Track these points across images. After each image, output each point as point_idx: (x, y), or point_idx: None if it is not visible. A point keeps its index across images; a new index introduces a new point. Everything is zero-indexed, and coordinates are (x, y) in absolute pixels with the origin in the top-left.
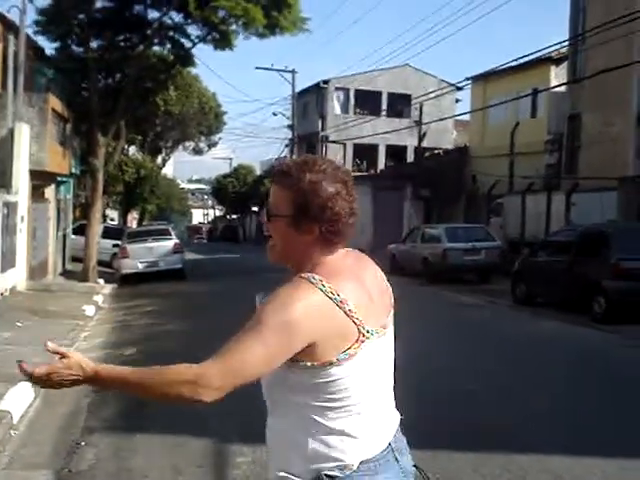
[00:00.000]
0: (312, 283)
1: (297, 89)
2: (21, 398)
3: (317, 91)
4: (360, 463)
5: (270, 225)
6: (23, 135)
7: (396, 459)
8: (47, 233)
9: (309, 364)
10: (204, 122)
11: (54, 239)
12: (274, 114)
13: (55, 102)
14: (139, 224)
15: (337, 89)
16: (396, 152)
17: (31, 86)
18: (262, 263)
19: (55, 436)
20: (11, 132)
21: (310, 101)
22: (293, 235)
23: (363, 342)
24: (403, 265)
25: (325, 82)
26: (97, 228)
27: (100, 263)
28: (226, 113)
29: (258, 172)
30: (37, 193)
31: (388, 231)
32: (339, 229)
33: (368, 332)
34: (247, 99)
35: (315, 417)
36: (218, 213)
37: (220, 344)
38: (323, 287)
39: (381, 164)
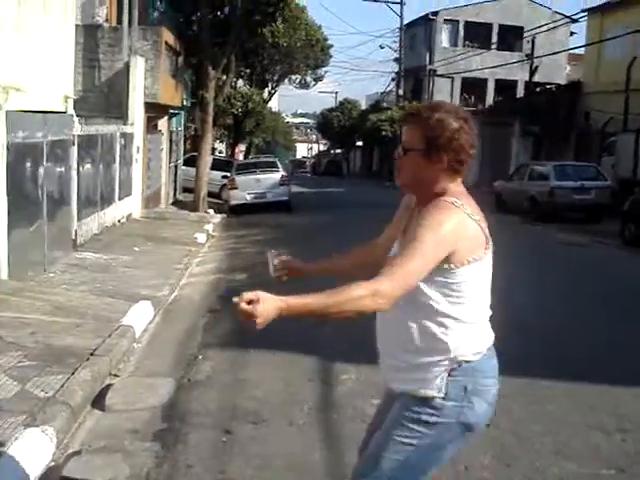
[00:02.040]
0: (457, 207)
1: (405, 21)
2: (142, 315)
3: (425, 23)
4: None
5: (405, 159)
6: (138, 68)
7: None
8: (160, 164)
9: (446, 266)
10: (311, 55)
11: (167, 170)
12: (381, 47)
13: (168, 36)
14: (245, 157)
15: (446, 21)
16: (506, 87)
17: (144, 20)
18: (365, 198)
19: (174, 350)
20: (127, 65)
21: (418, 33)
22: (425, 166)
23: (487, 249)
24: (509, 203)
25: (434, 14)
26: (207, 160)
27: (210, 194)
28: (332, 46)
29: (363, 106)
30: (151, 125)
31: (495, 168)
32: (463, 159)
33: (490, 243)
34: (354, 31)
35: (450, 312)
36: (322, 147)
37: None
38: (465, 209)
39: (490, 99)
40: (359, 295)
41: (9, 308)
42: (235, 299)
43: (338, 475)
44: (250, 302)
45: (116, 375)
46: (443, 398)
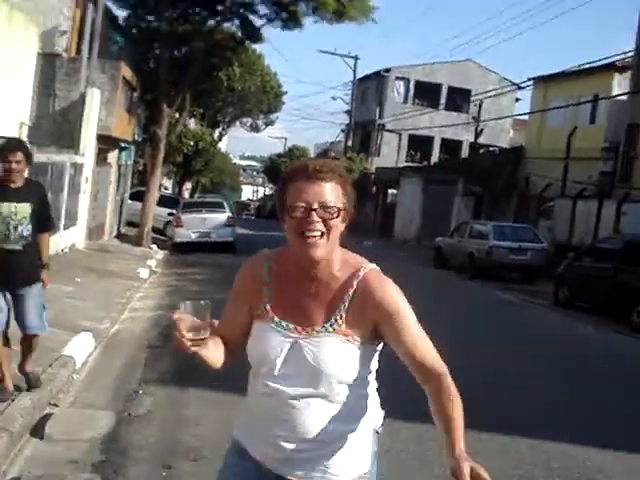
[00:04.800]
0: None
1: (358, 75)
2: (83, 346)
3: (377, 79)
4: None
5: (334, 222)
6: (94, 100)
7: None
8: (107, 196)
9: (381, 341)
10: (264, 100)
11: (113, 202)
12: (333, 98)
13: (126, 70)
14: (192, 195)
15: (397, 78)
16: (451, 146)
17: (104, 53)
18: None
19: (114, 383)
20: (83, 96)
21: (370, 88)
22: (340, 227)
23: None
24: (449, 258)
25: (386, 70)
26: (155, 195)
27: (154, 230)
28: (286, 93)
29: (312, 154)
30: (101, 157)
31: (436, 224)
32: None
33: None
34: (308, 81)
35: (372, 386)
36: (268, 191)
37: None
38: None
39: (435, 157)
40: (456, 395)
41: None
42: None
43: None
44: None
45: (56, 405)
46: (366, 472)
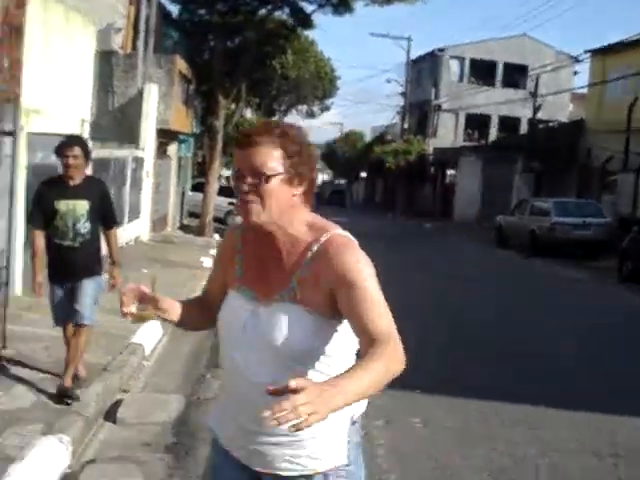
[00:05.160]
0: (350, 237)
1: (412, 56)
2: (151, 334)
3: (432, 59)
4: None
5: (263, 187)
6: (152, 95)
7: None
8: (168, 188)
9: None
10: (318, 86)
11: (174, 194)
12: (387, 81)
13: (181, 63)
14: None
15: (452, 57)
16: (509, 123)
17: (159, 48)
18: (367, 228)
19: (183, 368)
20: (140, 92)
21: (424, 69)
22: (289, 191)
23: None
24: (510, 237)
25: (440, 50)
26: (215, 186)
27: (215, 219)
28: (340, 78)
29: (368, 138)
30: (161, 150)
31: (496, 203)
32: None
33: None
34: (361, 65)
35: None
36: (326, 177)
37: None
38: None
39: (493, 135)
40: (391, 369)
41: (23, 323)
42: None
43: None
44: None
45: (126, 391)
46: (347, 464)
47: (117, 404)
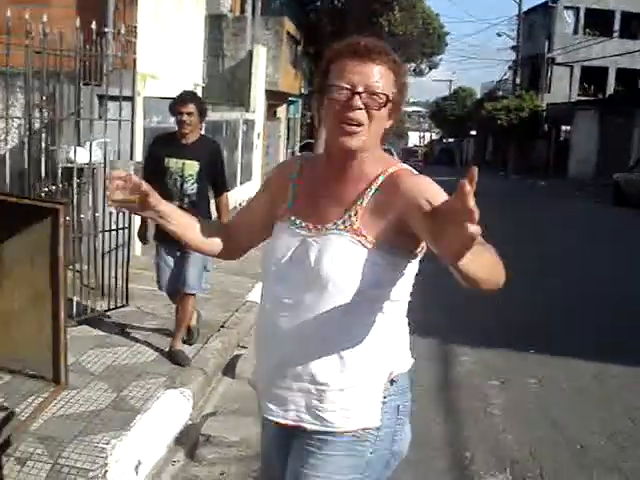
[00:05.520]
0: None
1: (524, 8)
2: None
3: (545, 10)
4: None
5: (376, 112)
6: (260, 57)
7: None
8: (278, 150)
9: (412, 249)
10: (426, 43)
11: (284, 156)
12: (498, 35)
13: (289, 25)
14: None
15: (566, 8)
16: (628, 76)
17: (266, 10)
18: (477, 188)
19: None
20: (250, 54)
21: (537, 21)
22: (385, 122)
23: None
24: (628, 195)
25: (554, 0)
26: (324, 146)
27: None
28: (448, 34)
29: (478, 95)
30: (270, 112)
31: (614, 160)
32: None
33: None
34: (470, 19)
35: (394, 312)
36: (434, 136)
37: None
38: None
39: (610, 89)
40: (498, 261)
41: (144, 281)
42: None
43: (456, 447)
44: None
45: (244, 347)
46: (378, 428)
47: (235, 359)
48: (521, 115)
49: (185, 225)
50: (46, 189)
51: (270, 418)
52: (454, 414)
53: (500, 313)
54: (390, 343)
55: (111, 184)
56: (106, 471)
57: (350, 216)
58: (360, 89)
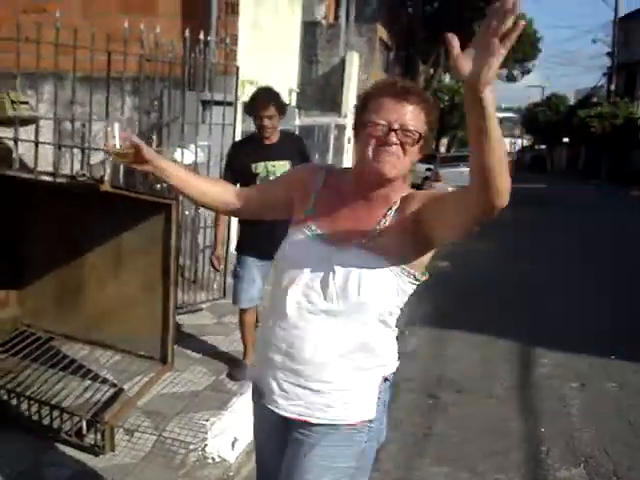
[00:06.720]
0: None
1: (620, 14)
2: None
3: None
4: None
5: (412, 148)
6: (354, 64)
7: None
8: None
9: (424, 263)
10: (519, 49)
11: None
12: (593, 41)
13: (382, 31)
14: (447, 150)
15: None
16: None
17: (359, 17)
18: (567, 196)
19: None
20: (343, 61)
21: (634, 27)
22: (416, 155)
23: None
24: None
25: None
26: None
27: (412, 185)
28: (542, 40)
29: (572, 101)
30: None
31: None
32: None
33: None
34: (564, 26)
35: (393, 327)
36: (526, 143)
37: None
38: None
39: None
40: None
41: None
42: None
43: (533, 442)
44: None
45: None
46: (371, 420)
47: None
48: (615, 123)
49: (185, 179)
50: (158, 186)
51: (275, 411)
52: (532, 411)
53: (585, 322)
54: (388, 348)
55: (110, 134)
56: (205, 445)
57: (374, 236)
58: (396, 126)
